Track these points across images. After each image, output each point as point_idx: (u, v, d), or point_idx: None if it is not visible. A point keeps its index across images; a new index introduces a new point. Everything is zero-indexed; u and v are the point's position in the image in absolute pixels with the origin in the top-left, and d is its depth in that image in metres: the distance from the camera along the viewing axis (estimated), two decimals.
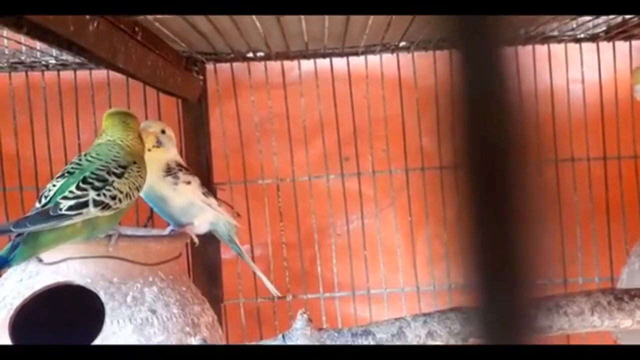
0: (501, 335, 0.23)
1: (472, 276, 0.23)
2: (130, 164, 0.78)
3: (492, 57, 0.23)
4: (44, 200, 0.72)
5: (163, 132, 0.92)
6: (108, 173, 0.75)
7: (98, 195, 0.72)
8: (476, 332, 0.23)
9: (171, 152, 0.93)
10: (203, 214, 0.92)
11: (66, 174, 0.75)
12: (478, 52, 0.23)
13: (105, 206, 0.73)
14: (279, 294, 1.03)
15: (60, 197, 0.71)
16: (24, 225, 0.68)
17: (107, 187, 0.73)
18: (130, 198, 0.76)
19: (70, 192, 0.72)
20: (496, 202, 0.23)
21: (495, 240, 0.23)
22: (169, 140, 0.93)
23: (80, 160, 0.77)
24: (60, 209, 0.70)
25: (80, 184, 0.73)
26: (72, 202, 0.71)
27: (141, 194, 0.92)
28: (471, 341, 0.66)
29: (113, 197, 0.73)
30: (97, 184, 0.73)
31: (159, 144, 0.91)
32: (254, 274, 1.09)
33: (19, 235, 0.68)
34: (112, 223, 0.76)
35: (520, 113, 0.23)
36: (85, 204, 0.71)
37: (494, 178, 0.23)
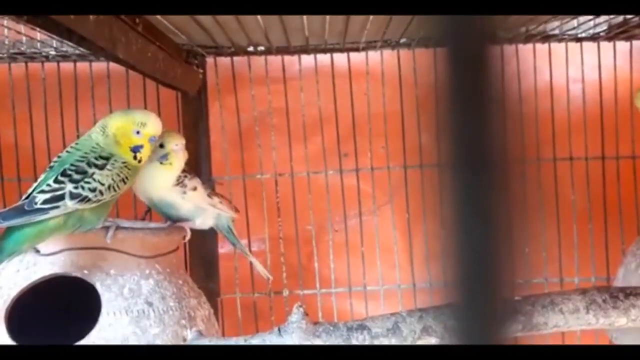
0: (474, 333, 0.23)
1: (451, 273, 0.23)
2: (115, 154, 0.75)
3: (477, 55, 0.23)
4: (24, 195, 0.71)
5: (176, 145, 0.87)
6: (88, 164, 0.73)
7: (75, 187, 0.70)
8: (451, 327, 0.23)
9: (182, 163, 0.89)
10: (204, 214, 0.92)
11: (48, 168, 0.74)
12: (463, 50, 0.23)
13: (84, 199, 0.71)
14: (270, 276, 1.01)
15: (37, 191, 0.70)
16: None
17: (87, 180, 0.71)
18: (115, 190, 0.73)
19: (48, 185, 0.70)
20: (478, 201, 0.23)
21: (475, 238, 0.23)
22: (183, 152, 0.88)
23: (61, 153, 0.75)
24: (36, 203, 0.69)
25: (59, 177, 0.71)
26: (47, 196, 0.69)
27: (149, 204, 0.91)
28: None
29: (93, 190, 0.71)
30: (75, 176, 0.71)
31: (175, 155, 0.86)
32: (251, 268, 1.10)
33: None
34: (99, 215, 0.74)
35: (505, 112, 0.23)
36: (61, 197, 0.69)
37: (476, 177, 0.23)
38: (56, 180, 0.71)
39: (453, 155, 0.23)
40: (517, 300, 0.23)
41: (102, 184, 0.72)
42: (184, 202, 0.89)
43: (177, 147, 0.84)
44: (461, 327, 0.23)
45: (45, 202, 0.69)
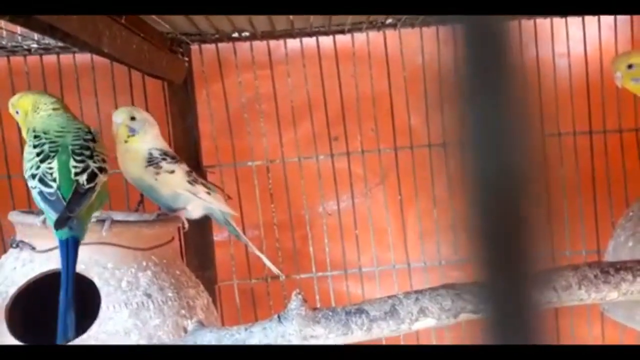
0: (504, 309, 0.23)
1: (476, 250, 0.23)
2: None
3: (495, 31, 0.22)
4: (55, 185, 0.71)
5: (133, 118, 0.88)
6: (85, 140, 0.76)
7: (94, 162, 0.74)
8: (479, 306, 0.23)
9: (149, 137, 0.88)
10: (192, 202, 0.90)
11: (51, 154, 0.74)
12: (480, 27, 0.22)
13: (103, 170, 0.75)
14: (280, 273, 1.03)
15: (73, 175, 0.72)
16: (74, 209, 0.70)
17: (94, 153, 0.75)
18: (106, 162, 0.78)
19: (74, 167, 0.73)
20: (497, 179, 0.23)
21: (497, 216, 0.23)
22: (143, 125, 0.88)
23: (52, 138, 0.76)
24: (83, 185, 0.72)
25: (75, 157, 0.74)
26: (86, 176, 0.73)
27: (131, 182, 0.91)
28: (462, 317, 0.68)
29: (104, 160, 0.76)
30: (85, 152, 0.75)
31: (132, 132, 0.87)
32: (247, 255, 1.10)
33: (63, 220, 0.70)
34: (103, 199, 0.76)
35: (522, 86, 0.22)
36: (94, 173, 0.73)
37: (496, 154, 0.22)
38: (76, 160, 0.74)
39: (471, 135, 0.23)
40: (548, 270, 0.23)
41: (104, 154, 0.77)
42: (159, 184, 0.87)
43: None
44: (487, 304, 0.23)
45: (88, 180, 0.72)
